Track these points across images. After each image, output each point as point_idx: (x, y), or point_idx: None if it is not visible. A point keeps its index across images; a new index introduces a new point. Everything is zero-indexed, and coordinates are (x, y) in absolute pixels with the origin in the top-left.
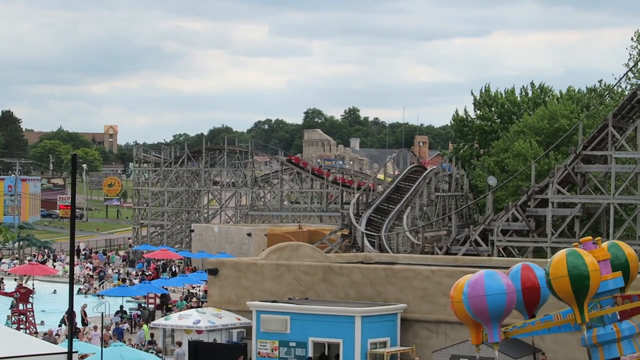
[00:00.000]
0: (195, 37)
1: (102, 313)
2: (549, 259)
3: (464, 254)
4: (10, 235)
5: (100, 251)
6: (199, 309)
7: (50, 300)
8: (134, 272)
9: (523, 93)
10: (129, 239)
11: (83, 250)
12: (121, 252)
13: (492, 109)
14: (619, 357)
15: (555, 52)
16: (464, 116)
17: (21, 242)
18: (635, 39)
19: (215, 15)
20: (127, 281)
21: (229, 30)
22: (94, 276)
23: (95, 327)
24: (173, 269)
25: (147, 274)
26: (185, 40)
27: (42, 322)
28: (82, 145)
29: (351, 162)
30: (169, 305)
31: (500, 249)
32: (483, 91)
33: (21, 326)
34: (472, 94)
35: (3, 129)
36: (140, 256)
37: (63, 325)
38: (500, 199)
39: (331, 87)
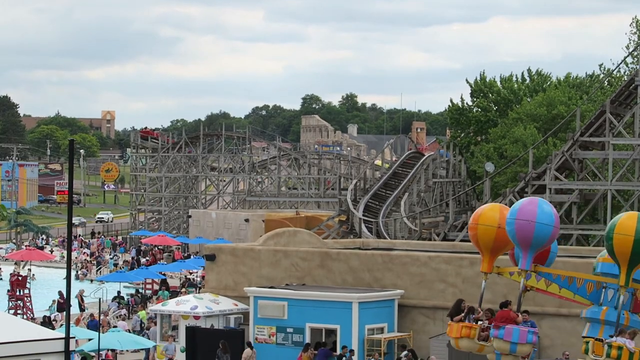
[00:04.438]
0: (190, 22)
1: (100, 299)
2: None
3: (462, 240)
4: (6, 216)
5: (102, 236)
6: (196, 294)
7: (59, 286)
8: (129, 259)
9: (520, 80)
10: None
11: (79, 236)
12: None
13: (490, 95)
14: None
15: (552, 38)
16: (460, 105)
17: (18, 228)
18: (634, 25)
19: None
20: (118, 266)
21: (224, 15)
22: (92, 262)
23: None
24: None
25: (142, 259)
26: (181, 25)
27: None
28: (79, 131)
29: (349, 148)
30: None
31: None
32: (479, 79)
33: (18, 311)
34: (468, 81)
35: (0, 114)
36: (138, 242)
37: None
38: (498, 185)
39: (328, 73)
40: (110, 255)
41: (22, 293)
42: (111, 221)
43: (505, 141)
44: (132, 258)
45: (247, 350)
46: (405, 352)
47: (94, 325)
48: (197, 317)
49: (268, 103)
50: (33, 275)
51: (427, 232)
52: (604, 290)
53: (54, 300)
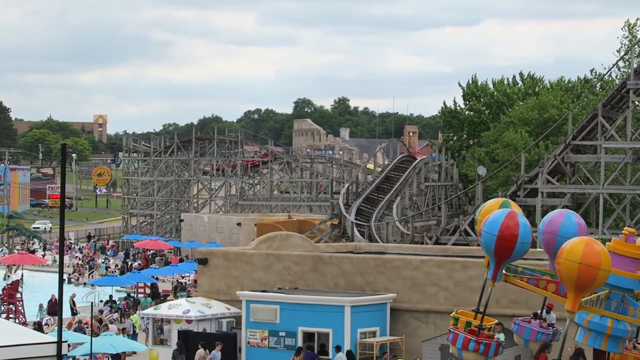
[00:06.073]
0: (182, 26)
1: (92, 302)
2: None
3: (454, 244)
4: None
5: (93, 240)
6: (188, 298)
7: (51, 290)
8: (120, 262)
9: (512, 83)
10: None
11: (71, 240)
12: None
13: (482, 99)
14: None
15: (545, 42)
16: (453, 108)
17: (10, 232)
18: (626, 28)
19: (202, 2)
20: (109, 269)
21: (216, 18)
22: (84, 266)
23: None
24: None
25: (132, 263)
26: (173, 28)
27: None
28: (71, 135)
29: (341, 152)
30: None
31: None
32: (470, 82)
33: (10, 315)
34: (460, 84)
35: None
36: (130, 246)
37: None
38: (490, 188)
39: (321, 76)
40: (101, 259)
41: (14, 297)
42: (49, 231)
43: (497, 145)
44: (122, 262)
45: (200, 351)
46: (339, 354)
47: (79, 330)
48: (189, 321)
49: (260, 107)
50: (21, 279)
51: (419, 235)
52: (607, 300)
53: (41, 305)
